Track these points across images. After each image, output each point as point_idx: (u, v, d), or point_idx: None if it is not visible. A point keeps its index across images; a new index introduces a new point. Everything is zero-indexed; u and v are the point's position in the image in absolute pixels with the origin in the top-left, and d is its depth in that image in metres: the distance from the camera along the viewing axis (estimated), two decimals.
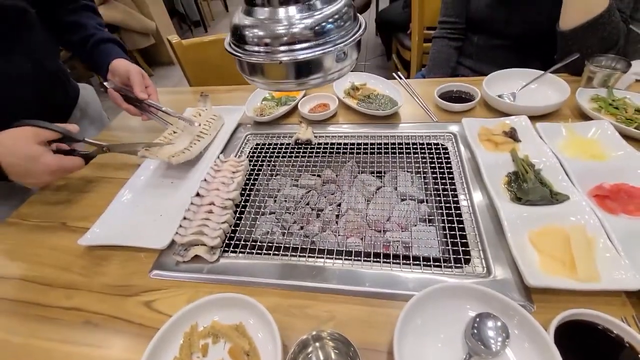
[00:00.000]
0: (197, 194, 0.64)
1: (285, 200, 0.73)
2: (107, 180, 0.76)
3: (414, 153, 0.73)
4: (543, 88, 0.81)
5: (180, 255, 0.56)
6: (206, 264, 0.55)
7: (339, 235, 0.65)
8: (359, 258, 0.54)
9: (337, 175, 0.78)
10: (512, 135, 0.67)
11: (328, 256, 0.55)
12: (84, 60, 0.85)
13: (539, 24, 0.92)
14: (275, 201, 0.75)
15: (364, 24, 0.37)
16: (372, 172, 0.77)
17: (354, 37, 0.35)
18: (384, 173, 0.77)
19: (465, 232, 0.55)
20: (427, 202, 0.71)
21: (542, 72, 0.81)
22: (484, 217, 0.56)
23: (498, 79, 0.83)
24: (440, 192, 0.64)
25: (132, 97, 0.76)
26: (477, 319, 0.42)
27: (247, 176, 0.72)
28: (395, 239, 0.62)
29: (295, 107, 0.88)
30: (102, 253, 0.60)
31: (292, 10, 0.32)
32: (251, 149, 0.81)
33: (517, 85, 0.82)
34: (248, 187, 0.70)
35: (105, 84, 0.77)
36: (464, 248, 0.53)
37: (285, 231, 0.69)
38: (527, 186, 0.56)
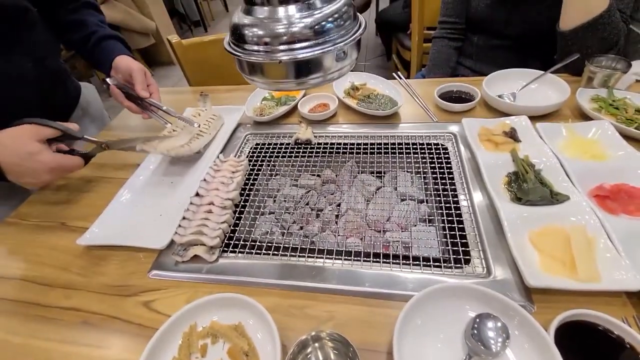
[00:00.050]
0: (197, 194, 0.64)
1: (285, 200, 0.73)
2: (106, 180, 0.76)
3: (414, 153, 0.72)
4: (543, 88, 0.81)
5: (179, 255, 0.56)
6: (205, 264, 0.55)
7: (338, 235, 0.65)
8: (359, 258, 0.54)
9: (336, 175, 0.78)
10: (512, 135, 0.67)
11: (328, 256, 0.55)
12: (86, 58, 0.85)
13: (539, 24, 0.92)
14: (274, 201, 0.75)
15: (363, 23, 0.36)
16: (372, 172, 0.77)
17: (354, 37, 0.34)
18: (384, 173, 0.77)
19: (465, 232, 0.55)
20: (427, 202, 0.71)
21: (542, 72, 0.81)
22: (484, 217, 0.56)
23: (498, 79, 0.83)
24: (440, 192, 0.64)
25: (133, 95, 0.76)
26: (477, 320, 0.42)
27: (246, 176, 0.72)
28: (395, 239, 0.62)
29: (295, 107, 0.88)
30: (101, 253, 0.59)
31: (292, 9, 0.32)
32: (251, 148, 0.81)
33: (517, 86, 0.82)
34: (247, 187, 0.70)
35: (107, 80, 0.77)
36: (463, 248, 0.53)
37: (285, 231, 0.69)
38: (527, 186, 0.56)
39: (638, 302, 0.43)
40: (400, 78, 0.94)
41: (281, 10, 0.32)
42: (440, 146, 0.73)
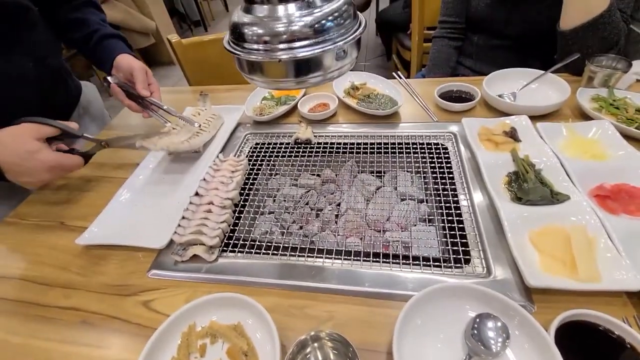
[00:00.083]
0: (196, 194, 0.64)
1: (285, 200, 0.73)
2: (106, 179, 0.76)
3: (414, 153, 0.72)
4: (543, 88, 0.81)
5: (178, 254, 0.56)
6: (205, 263, 0.55)
7: (338, 235, 0.65)
8: (359, 258, 0.53)
9: (336, 175, 0.78)
10: (512, 135, 0.67)
11: (327, 256, 0.54)
12: (88, 56, 0.85)
13: (539, 23, 0.92)
14: (274, 201, 0.75)
15: (364, 22, 0.36)
16: (372, 172, 0.77)
17: (353, 35, 0.34)
18: (384, 173, 0.77)
19: (465, 232, 0.55)
20: (427, 202, 0.71)
21: (543, 72, 0.81)
22: (484, 217, 0.56)
23: (498, 79, 0.83)
24: (440, 192, 0.64)
25: (134, 94, 0.76)
26: (477, 320, 0.41)
27: (246, 176, 0.72)
28: (395, 239, 0.62)
29: (294, 107, 0.88)
30: (100, 252, 0.59)
31: (292, 7, 0.32)
32: (250, 148, 0.81)
33: (517, 85, 0.82)
34: (247, 187, 0.70)
35: (108, 78, 0.77)
36: (464, 248, 0.52)
37: (285, 231, 0.68)
38: (528, 186, 0.56)
39: (638, 302, 0.43)
40: (400, 77, 0.93)
41: (281, 9, 0.32)
42: (440, 146, 0.72)
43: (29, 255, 0.61)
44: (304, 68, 0.34)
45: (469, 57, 1.14)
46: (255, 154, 0.78)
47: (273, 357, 0.40)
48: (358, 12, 0.36)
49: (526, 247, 0.49)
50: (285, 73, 0.35)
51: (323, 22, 0.32)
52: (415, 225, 0.65)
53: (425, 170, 0.71)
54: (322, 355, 0.41)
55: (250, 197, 0.69)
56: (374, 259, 0.53)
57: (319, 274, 0.52)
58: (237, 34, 0.34)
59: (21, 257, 0.62)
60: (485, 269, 0.50)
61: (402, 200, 0.71)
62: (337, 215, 0.70)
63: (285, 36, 0.32)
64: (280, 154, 0.78)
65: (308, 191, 0.76)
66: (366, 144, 0.76)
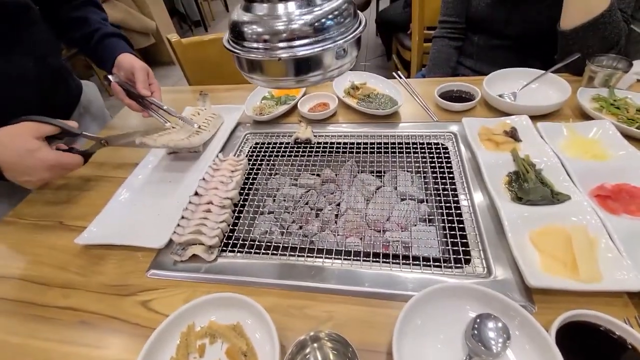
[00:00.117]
0: (196, 193, 0.63)
1: (284, 200, 0.73)
2: (106, 179, 0.76)
3: (414, 153, 0.72)
4: (544, 88, 0.81)
5: (177, 254, 0.55)
6: (204, 263, 0.55)
7: (338, 235, 0.65)
8: (358, 258, 0.53)
9: (336, 175, 0.78)
10: (512, 134, 0.67)
11: (327, 256, 0.54)
12: (89, 55, 0.85)
13: (539, 23, 0.92)
14: (274, 200, 0.75)
15: (364, 21, 0.36)
16: (372, 172, 0.77)
17: (354, 34, 0.34)
18: (384, 172, 0.77)
19: (465, 232, 0.55)
20: (427, 201, 0.70)
21: (543, 71, 0.81)
22: (485, 217, 0.56)
23: (498, 79, 0.83)
24: (441, 191, 0.63)
25: (134, 93, 0.76)
26: (478, 320, 0.41)
27: (246, 175, 0.72)
28: (394, 239, 0.61)
29: (294, 107, 0.88)
30: (99, 252, 0.59)
31: (292, 6, 0.32)
32: (250, 148, 0.80)
33: (517, 85, 0.82)
34: (247, 187, 0.70)
35: (109, 77, 0.77)
36: (464, 248, 0.52)
37: (284, 231, 0.68)
38: (528, 186, 0.56)
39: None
40: (400, 77, 0.93)
41: (281, 7, 0.32)
42: (440, 146, 0.72)
43: (28, 255, 0.61)
44: (303, 67, 0.34)
45: (469, 57, 1.14)
46: (255, 154, 0.78)
47: (272, 358, 0.39)
48: (358, 11, 0.36)
49: (527, 247, 0.49)
50: (285, 72, 0.34)
51: (323, 20, 0.32)
52: (415, 225, 0.65)
53: (426, 170, 0.71)
54: (321, 356, 0.41)
55: (250, 196, 0.69)
56: (374, 259, 0.52)
57: (319, 274, 0.52)
58: (237, 33, 0.34)
59: (20, 257, 0.61)
60: (485, 269, 0.49)
61: (402, 200, 0.70)
62: (337, 215, 0.70)
63: (285, 35, 0.32)
64: (280, 154, 0.78)
65: (308, 191, 0.76)
66: (366, 143, 0.76)
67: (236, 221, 0.62)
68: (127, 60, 0.76)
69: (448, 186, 0.63)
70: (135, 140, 0.68)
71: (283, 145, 0.79)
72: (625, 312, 0.42)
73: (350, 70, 0.38)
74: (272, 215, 0.71)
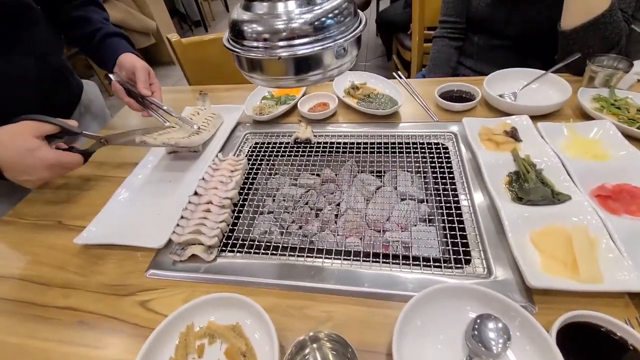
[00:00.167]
0: (195, 193, 0.63)
1: (284, 200, 0.73)
2: (106, 178, 0.75)
3: (414, 153, 0.72)
4: (544, 88, 0.81)
5: (177, 254, 0.55)
6: (203, 263, 0.55)
7: (338, 235, 0.64)
8: (358, 258, 0.53)
9: (336, 175, 0.78)
10: (513, 134, 0.66)
11: (327, 256, 0.54)
12: (90, 54, 0.84)
13: (539, 23, 0.92)
14: (274, 200, 0.75)
15: (364, 20, 0.36)
16: (372, 172, 0.77)
17: (354, 33, 0.34)
18: (384, 172, 0.77)
19: (465, 232, 0.54)
20: (427, 202, 0.70)
21: (544, 71, 0.81)
22: (485, 217, 0.56)
23: (499, 79, 0.83)
24: (441, 191, 0.63)
25: (135, 92, 0.76)
26: (478, 320, 0.41)
27: (245, 175, 0.71)
28: (394, 239, 0.61)
29: (294, 106, 0.88)
30: (98, 252, 0.59)
31: (292, 5, 0.31)
32: (250, 147, 0.80)
33: (517, 85, 0.82)
34: (246, 186, 0.70)
35: (110, 75, 0.77)
36: (464, 248, 0.52)
37: (284, 231, 0.68)
38: (529, 186, 0.56)
39: None
40: (401, 77, 0.93)
41: (280, 6, 0.31)
42: (440, 146, 0.72)
43: (27, 255, 0.61)
44: (303, 66, 0.34)
45: (470, 57, 1.13)
46: (254, 154, 0.78)
47: (271, 358, 0.39)
48: (358, 10, 0.36)
49: (527, 247, 0.49)
50: (285, 71, 0.34)
51: (323, 19, 0.32)
52: (415, 225, 0.65)
53: (426, 170, 0.71)
54: (321, 356, 0.41)
55: (250, 196, 0.69)
56: (374, 259, 0.52)
57: (318, 274, 0.52)
58: (237, 32, 0.34)
59: (19, 257, 0.61)
60: (485, 269, 0.49)
61: (402, 200, 0.70)
62: (336, 215, 0.70)
63: (284, 33, 0.32)
64: (279, 154, 0.77)
65: (308, 191, 0.76)
66: (366, 143, 0.76)
67: (236, 221, 0.62)
68: (129, 60, 0.76)
69: (448, 186, 0.63)
70: (135, 139, 0.68)
71: (283, 145, 0.79)
72: (626, 313, 0.42)
73: (350, 70, 0.38)
74: (271, 215, 0.71)
